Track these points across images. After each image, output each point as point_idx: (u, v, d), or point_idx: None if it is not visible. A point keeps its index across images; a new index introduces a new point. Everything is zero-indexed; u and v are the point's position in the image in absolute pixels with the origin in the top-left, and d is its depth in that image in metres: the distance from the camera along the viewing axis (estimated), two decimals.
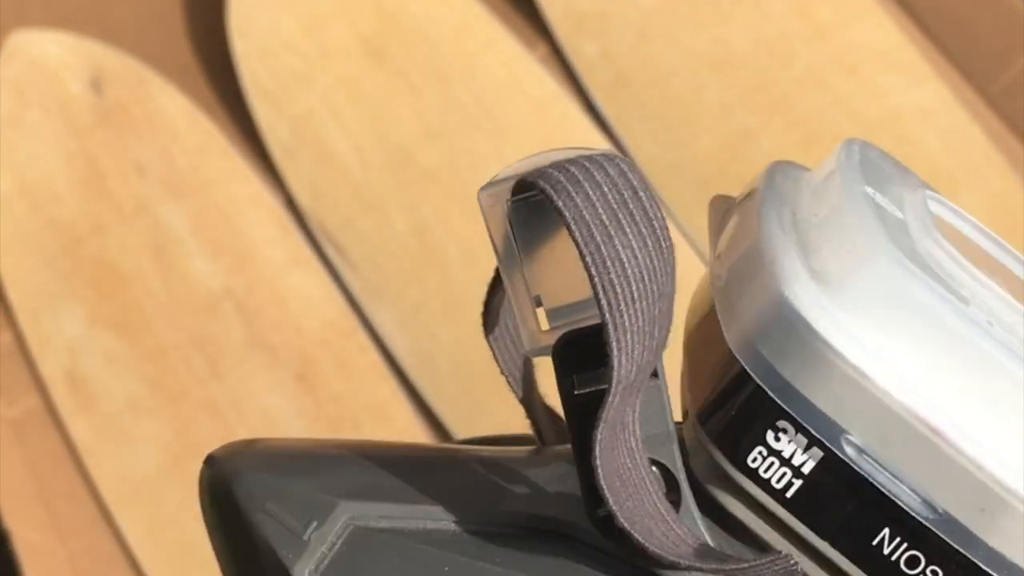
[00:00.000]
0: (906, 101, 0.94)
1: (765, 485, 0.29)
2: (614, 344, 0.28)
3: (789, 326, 0.29)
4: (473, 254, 0.89)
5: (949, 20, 0.99)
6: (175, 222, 0.94)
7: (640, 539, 0.29)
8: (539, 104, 0.96)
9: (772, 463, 0.29)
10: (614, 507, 0.29)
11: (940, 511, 0.28)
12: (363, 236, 0.93)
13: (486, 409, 0.87)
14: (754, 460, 0.29)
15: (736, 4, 0.97)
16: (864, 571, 0.29)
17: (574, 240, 0.28)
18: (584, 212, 0.28)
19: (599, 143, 0.94)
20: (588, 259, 0.28)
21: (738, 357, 0.29)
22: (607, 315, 0.28)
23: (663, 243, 0.29)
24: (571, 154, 0.30)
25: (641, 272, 0.28)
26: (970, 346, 0.29)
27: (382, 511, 0.31)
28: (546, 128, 0.95)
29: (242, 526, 0.31)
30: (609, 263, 0.28)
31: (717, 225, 0.33)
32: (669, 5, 0.98)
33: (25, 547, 0.83)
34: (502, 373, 0.35)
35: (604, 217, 0.28)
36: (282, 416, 0.88)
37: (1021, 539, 0.28)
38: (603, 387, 0.29)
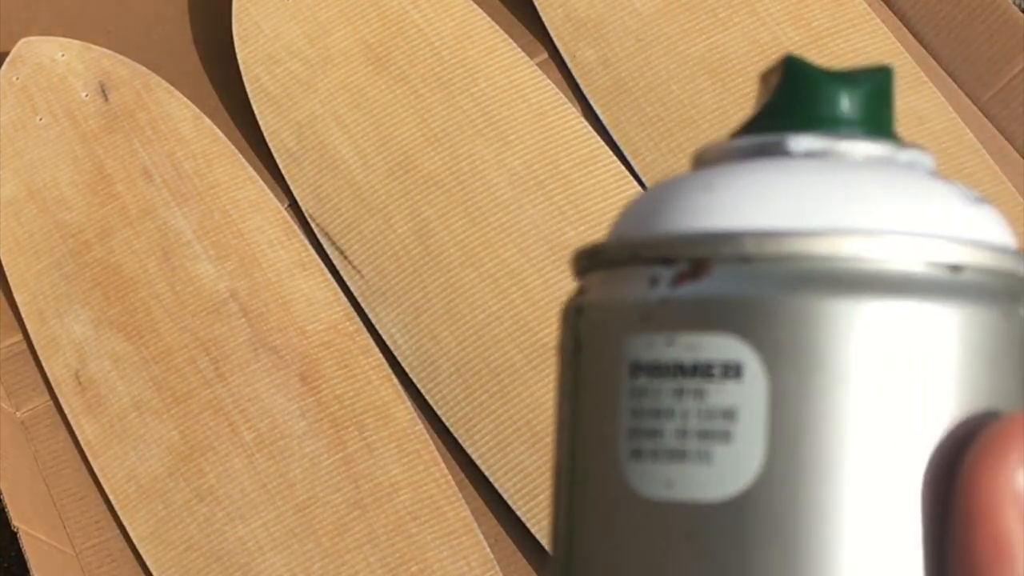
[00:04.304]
0: (900, 106, 0.93)
1: None
2: None
3: None
4: (474, 257, 0.89)
5: (943, 27, 1.00)
6: (181, 226, 0.94)
7: None
8: (539, 110, 0.96)
9: None
10: None
11: None
12: (366, 239, 0.93)
13: (487, 410, 0.87)
14: None
15: (733, 11, 0.98)
16: None
17: None
18: None
19: (598, 148, 0.94)
20: None
21: None
22: None
23: None
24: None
25: None
26: None
27: None
28: (546, 133, 0.95)
29: None
30: None
31: None
32: (667, 12, 0.99)
33: (33, 546, 0.83)
34: None
35: None
36: (286, 417, 0.88)
37: None
38: None
